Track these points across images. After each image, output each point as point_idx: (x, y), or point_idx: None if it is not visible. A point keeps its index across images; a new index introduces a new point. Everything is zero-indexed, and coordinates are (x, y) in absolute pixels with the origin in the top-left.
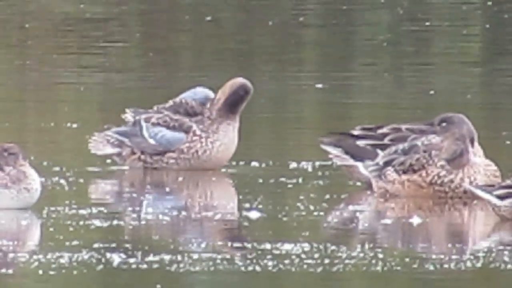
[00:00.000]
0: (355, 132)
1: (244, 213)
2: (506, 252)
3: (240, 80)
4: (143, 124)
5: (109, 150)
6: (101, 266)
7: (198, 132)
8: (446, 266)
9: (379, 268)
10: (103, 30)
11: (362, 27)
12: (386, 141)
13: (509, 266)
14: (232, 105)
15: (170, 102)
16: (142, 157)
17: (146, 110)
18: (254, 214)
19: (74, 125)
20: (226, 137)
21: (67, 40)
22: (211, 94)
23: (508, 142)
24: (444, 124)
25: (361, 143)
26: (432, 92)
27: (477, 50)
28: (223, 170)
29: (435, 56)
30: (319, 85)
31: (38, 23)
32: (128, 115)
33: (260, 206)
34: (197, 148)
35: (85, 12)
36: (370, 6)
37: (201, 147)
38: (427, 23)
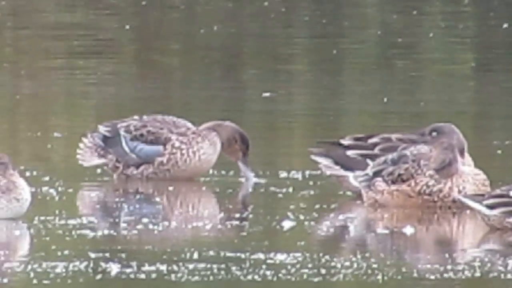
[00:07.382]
0: (345, 142)
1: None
2: (498, 262)
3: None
4: (122, 134)
5: (96, 161)
6: (98, 276)
7: (177, 145)
8: (440, 275)
9: (378, 277)
10: (94, 40)
11: (352, 36)
12: (376, 151)
13: (504, 276)
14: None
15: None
16: (124, 171)
17: (122, 120)
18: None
19: (64, 135)
20: (211, 148)
21: (57, 49)
22: None
23: (499, 152)
24: (434, 133)
25: (351, 153)
26: (422, 102)
27: (468, 59)
28: (214, 179)
29: (426, 66)
30: (266, 94)
31: (28, 31)
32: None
33: (251, 216)
34: (176, 159)
35: (75, 20)
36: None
37: (181, 158)
38: (417, 31)
